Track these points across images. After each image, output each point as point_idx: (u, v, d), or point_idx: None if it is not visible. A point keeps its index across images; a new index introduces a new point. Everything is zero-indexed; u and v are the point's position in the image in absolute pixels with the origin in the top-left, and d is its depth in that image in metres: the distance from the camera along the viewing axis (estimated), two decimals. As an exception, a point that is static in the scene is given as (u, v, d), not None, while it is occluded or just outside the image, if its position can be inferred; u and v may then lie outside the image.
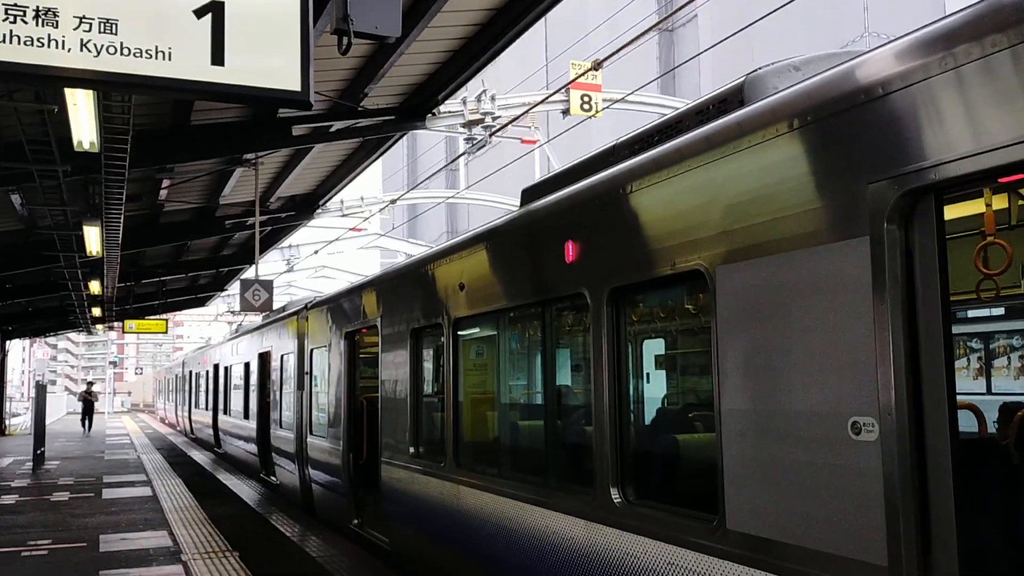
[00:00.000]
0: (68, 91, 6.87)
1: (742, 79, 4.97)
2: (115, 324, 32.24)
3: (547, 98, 12.43)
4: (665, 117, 5.61)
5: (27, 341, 61.21)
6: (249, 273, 18.83)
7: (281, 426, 14.34)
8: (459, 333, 7.26)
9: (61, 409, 46.83)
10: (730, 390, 3.98)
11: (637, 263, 4.72)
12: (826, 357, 3.46)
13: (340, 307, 10.95)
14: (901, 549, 3.11)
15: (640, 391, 5.11)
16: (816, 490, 3.48)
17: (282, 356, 14.47)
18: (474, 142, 13.08)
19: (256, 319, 20.47)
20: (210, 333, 51.53)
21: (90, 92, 6.92)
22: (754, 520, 3.80)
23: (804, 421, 3.55)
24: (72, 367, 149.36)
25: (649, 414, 5.40)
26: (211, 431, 23.22)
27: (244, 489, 14.97)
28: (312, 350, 12.42)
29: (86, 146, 8.04)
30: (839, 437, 3.38)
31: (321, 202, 18.64)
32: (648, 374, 5.29)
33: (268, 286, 14.24)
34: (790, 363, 3.64)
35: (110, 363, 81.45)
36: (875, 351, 3.23)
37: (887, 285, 3.21)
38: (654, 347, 5.26)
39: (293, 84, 3.99)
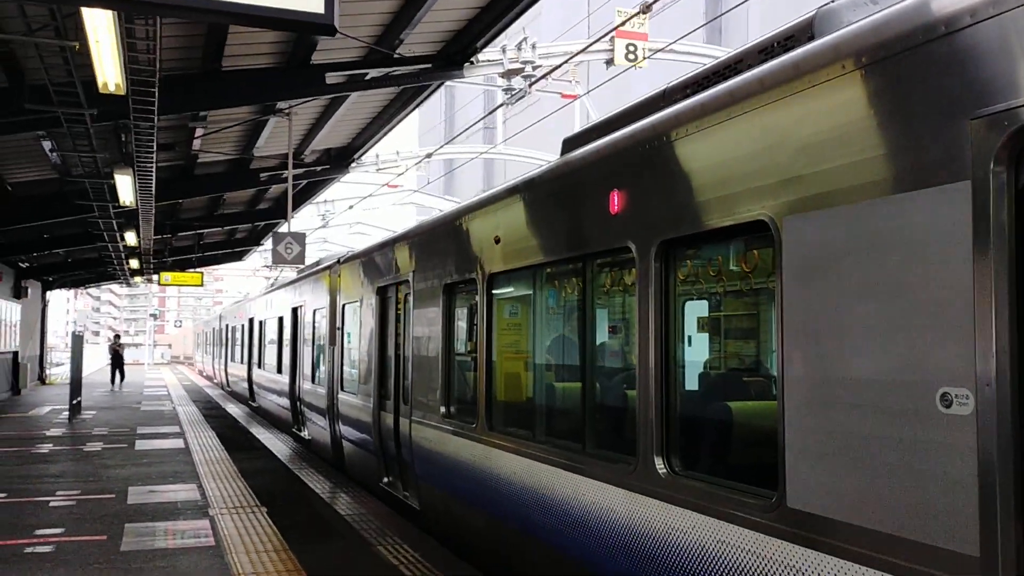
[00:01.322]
0: (90, 27, 6.54)
1: (812, 13, 4.51)
2: (153, 277, 32.41)
3: (591, 44, 11.89)
4: (721, 58, 5.14)
5: (70, 293, 62.25)
6: (284, 227, 18.63)
7: (313, 381, 14.19)
8: (493, 289, 6.90)
9: (101, 360, 47.56)
10: (796, 355, 3.57)
11: (691, 214, 4.29)
12: (911, 319, 3.04)
13: (372, 262, 10.65)
14: (997, 538, 2.71)
15: (690, 354, 4.71)
16: (894, 468, 3.08)
17: (314, 311, 14.27)
18: (513, 93, 12.60)
19: (291, 274, 20.33)
20: (248, 288, 51.91)
21: (112, 28, 6.59)
22: (819, 498, 3.41)
23: (882, 391, 3.14)
24: (115, 319, 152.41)
25: (700, 379, 5.00)
26: (246, 385, 23.29)
27: (276, 444, 14.90)
28: (344, 305, 12.18)
29: (112, 88, 7.74)
30: (925, 410, 2.96)
31: (356, 155, 18.33)
32: (699, 335, 4.88)
33: (300, 239, 14.01)
34: (867, 326, 3.22)
35: (150, 315, 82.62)
36: (973, 313, 2.80)
37: (991, 236, 2.76)
38: (706, 306, 4.85)
39: (316, 6, 3.62)
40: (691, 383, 4.89)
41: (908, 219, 3.06)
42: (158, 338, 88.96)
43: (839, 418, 3.33)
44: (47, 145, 11.98)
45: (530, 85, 12.33)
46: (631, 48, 12.48)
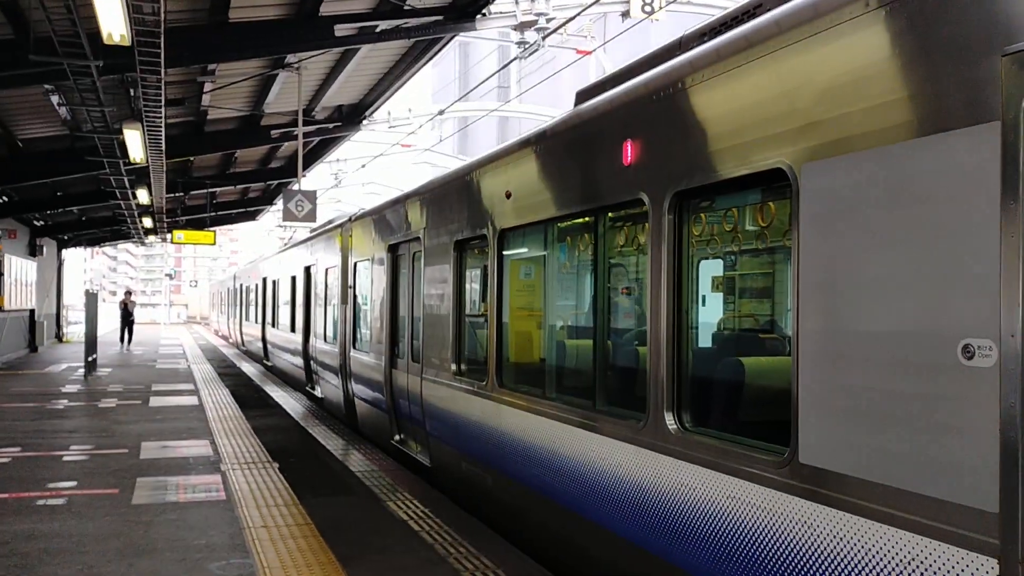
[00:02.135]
0: (91, -26, 6.40)
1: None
2: (167, 236, 32.45)
3: (606, -5, 11.63)
4: (738, 4, 4.95)
5: (87, 252, 62.60)
6: (295, 185, 18.55)
7: (325, 340, 14.19)
8: (504, 245, 6.80)
9: (117, 318, 47.87)
10: (812, 308, 3.45)
11: (705, 163, 4.15)
12: (933, 269, 2.91)
13: (383, 219, 10.55)
14: (1018, 494, 2.61)
15: (702, 308, 4.60)
16: (912, 422, 2.97)
17: (327, 270, 14.23)
18: (527, 46, 12.36)
19: (304, 233, 20.29)
20: (264, 247, 52.03)
21: (114, -24, 6.44)
22: (832, 454, 3.32)
23: (901, 343, 3.02)
24: (131, 278, 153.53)
25: (711, 334, 4.90)
26: (260, 344, 23.39)
27: (289, 401, 14.95)
28: (356, 264, 12.12)
29: (116, 39, 7.61)
30: (946, 362, 2.85)
31: (368, 112, 18.14)
32: (712, 290, 4.76)
33: (311, 197, 13.91)
34: (887, 276, 3.10)
35: (166, 275, 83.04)
36: (1000, 261, 2.67)
37: (1021, 180, 2.62)
38: (720, 258, 4.72)
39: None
40: (703, 338, 4.78)
41: (932, 163, 2.92)
42: (174, 298, 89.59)
43: (855, 372, 3.22)
44: (55, 99, 11.88)
45: (544, 38, 12.08)
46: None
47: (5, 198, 21.49)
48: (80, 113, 12.34)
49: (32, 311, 27.34)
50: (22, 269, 25.99)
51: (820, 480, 3.37)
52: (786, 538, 3.54)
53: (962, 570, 2.76)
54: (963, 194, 2.81)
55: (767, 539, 3.65)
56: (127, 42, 7.76)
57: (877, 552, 3.08)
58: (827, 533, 3.32)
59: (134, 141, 12.94)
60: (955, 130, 2.84)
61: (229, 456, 9.47)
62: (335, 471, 8.80)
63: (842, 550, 3.24)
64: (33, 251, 27.73)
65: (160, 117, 11.32)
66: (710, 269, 4.74)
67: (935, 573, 2.85)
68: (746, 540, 3.78)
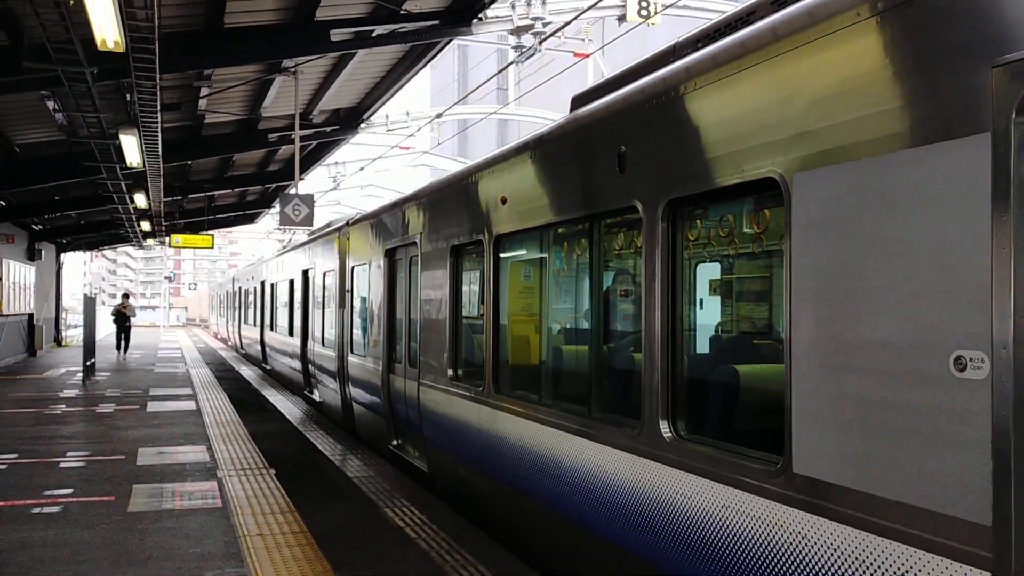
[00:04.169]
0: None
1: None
2: (165, 239, 32.40)
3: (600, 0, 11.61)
4: (732, 11, 4.94)
5: (87, 255, 62.57)
6: (293, 189, 18.54)
7: (323, 344, 14.17)
8: (500, 251, 6.78)
9: (112, 324, 47.83)
10: (804, 317, 3.44)
11: (698, 171, 4.14)
12: (925, 279, 2.90)
13: (381, 223, 10.54)
14: (1011, 507, 2.60)
15: (696, 316, 4.59)
16: (904, 433, 2.96)
17: (324, 273, 14.22)
18: (523, 51, 12.35)
19: (303, 237, 20.29)
20: (262, 251, 52.02)
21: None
22: (825, 464, 3.30)
23: (894, 354, 3.01)
24: (131, 281, 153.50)
25: (706, 342, 4.88)
26: (259, 347, 23.37)
27: (287, 406, 14.93)
28: (353, 268, 12.10)
29: (111, 45, 7.60)
30: (938, 373, 2.83)
31: (365, 116, 18.13)
32: (706, 297, 4.75)
33: (309, 201, 13.89)
34: (878, 286, 3.09)
35: (165, 278, 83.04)
36: (991, 272, 2.66)
37: (1012, 191, 2.61)
38: (714, 266, 4.71)
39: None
40: (697, 346, 4.77)
41: (923, 174, 2.91)
42: (173, 301, 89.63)
43: (848, 382, 3.21)
44: (51, 105, 11.86)
45: (540, 42, 12.07)
46: (643, 4, 12.18)
47: (3, 203, 21.46)
48: (76, 119, 12.33)
49: (31, 315, 27.31)
50: (20, 273, 25.97)
51: (814, 490, 3.36)
52: (779, 548, 3.53)
53: (955, 583, 2.74)
54: (954, 205, 2.80)
55: (761, 548, 3.63)
56: (121, 48, 7.74)
57: (870, 564, 3.06)
58: (820, 544, 3.31)
59: (130, 146, 12.92)
60: (946, 141, 2.83)
61: (226, 462, 9.45)
62: (332, 477, 8.78)
63: (835, 561, 3.23)
64: (31, 255, 27.70)
65: (156, 122, 11.32)
66: (704, 276, 4.73)
67: (928, 586, 2.84)
68: (740, 549, 3.76)
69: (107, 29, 7.31)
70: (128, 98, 11.65)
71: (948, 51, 2.85)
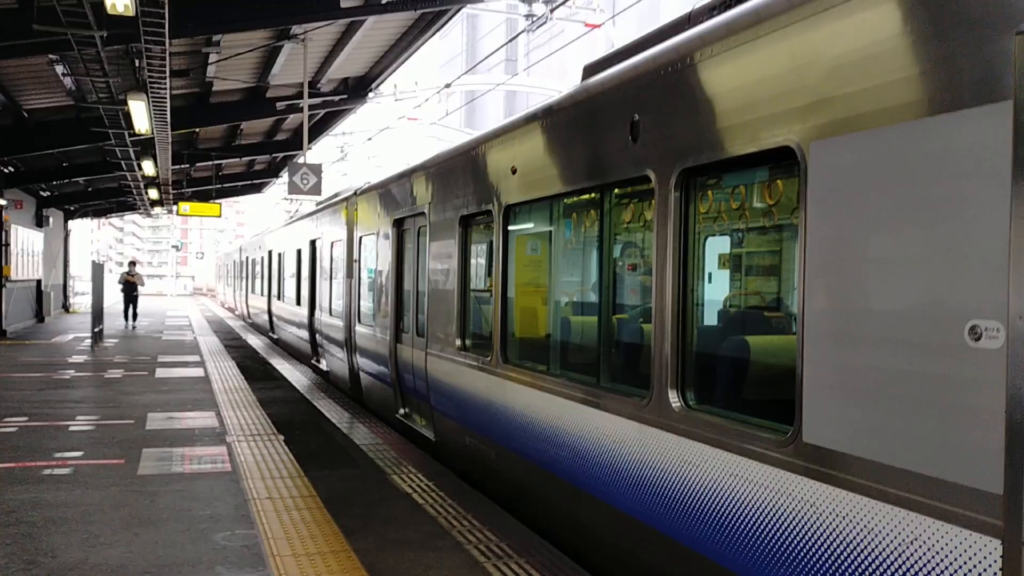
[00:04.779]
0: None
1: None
2: (172, 207, 32.39)
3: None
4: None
5: (94, 223, 62.65)
6: (301, 158, 18.49)
7: (331, 313, 14.21)
8: (510, 221, 6.77)
9: (119, 293, 47.98)
10: (819, 287, 3.43)
11: (713, 140, 4.11)
12: (941, 249, 2.88)
13: (389, 193, 10.52)
14: (1022, 476, 2.60)
15: (708, 286, 4.58)
16: (917, 403, 2.96)
17: (332, 243, 14.21)
18: (534, 19, 12.23)
19: (311, 206, 20.27)
20: (270, 220, 52.03)
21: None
22: (836, 433, 3.31)
23: (908, 323, 3.00)
24: (138, 250, 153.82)
25: (716, 312, 4.88)
26: (266, 317, 23.44)
27: (295, 375, 15.01)
28: (361, 238, 12.10)
29: (120, 8, 7.56)
30: (952, 343, 2.83)
31: (374, 85, 18.03)
32: (718, 268, 4.74)
33: (316, 170, 13.85)
34: (894, 255, 3.07)
35: (172, 247, 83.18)
36: (1009, 241, 2.65)
37: (1033, 160, 2.59)
38: (726, 237, 4.70)
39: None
40: (708, 316, 4.77)
41: (942, 143, 2.88)
42: (181, 270, 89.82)
43: (861, 351, 3.21)
44: (60, 69, 11.82)
45: (552, 11, 11.96)
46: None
47: (11, 168, 21.47)
48: (85, 84, 12.29)
49: (39, 281, 27.42)
50: (28, 240, 26.02)
51: (824, 459, 3.37)
52: (789, 516, 3.55)
53: (965, 550, 2.76)
54: (973, 174, 2.77)
55: (770, 517, 3.65)
56: (131, 12, 7.70)
57: (880, 531, 3.08)
58: (830, 512, 3.32)
59: (139, 112, 12.89)
60: (966, 109, 2.80)
61: (235, 428, 9.52)
62: (340, 444, 8.85)
63: (845, 529, 3.25)
64: (40, 222, 27.75)
65: (165, 88, 11.28)
66: (716, 247, 4.71)
67: (938, 553, 2.85)
68: (749, 518, 3.79)
69: (117, -8, 7.26)
70: (137, 63, 11.60)
71: (970, 17, 2.81)
